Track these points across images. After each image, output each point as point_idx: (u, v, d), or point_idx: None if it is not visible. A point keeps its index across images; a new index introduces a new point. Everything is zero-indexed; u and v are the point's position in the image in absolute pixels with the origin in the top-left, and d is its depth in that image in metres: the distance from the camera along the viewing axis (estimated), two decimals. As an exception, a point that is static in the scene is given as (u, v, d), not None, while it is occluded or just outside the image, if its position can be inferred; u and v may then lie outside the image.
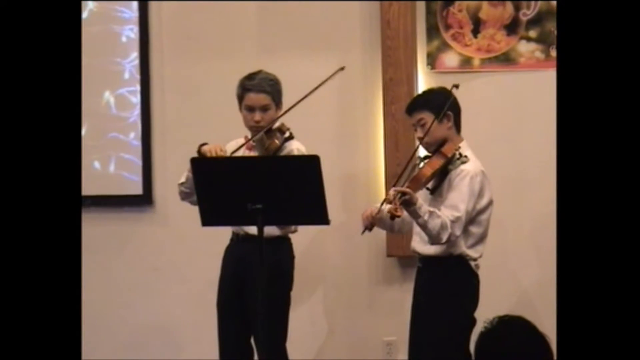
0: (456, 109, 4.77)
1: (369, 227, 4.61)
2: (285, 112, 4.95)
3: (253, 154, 4.98)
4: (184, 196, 4.98)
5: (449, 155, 4.64)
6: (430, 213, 4.52)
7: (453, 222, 4.54)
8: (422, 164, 4.67)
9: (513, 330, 3.17)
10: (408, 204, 4.49)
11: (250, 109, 4.99)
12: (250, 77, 5.02)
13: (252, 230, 4.46)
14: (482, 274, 4.75)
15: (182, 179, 4.97)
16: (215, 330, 5.11)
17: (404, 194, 4.46)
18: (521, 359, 3.11)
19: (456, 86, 4.68)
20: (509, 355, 3.10)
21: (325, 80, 4.87)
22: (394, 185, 4.58)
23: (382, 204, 4.58)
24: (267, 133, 4.92)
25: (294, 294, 5.08)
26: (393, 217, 4.47)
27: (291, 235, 5.08)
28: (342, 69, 4.90)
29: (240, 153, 4.94)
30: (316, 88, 4.87)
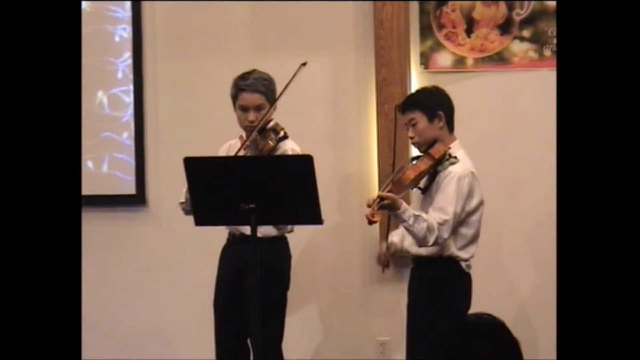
0: (448, 108, 4.77)
1: (385, 265, 5.03)
2: (268, 110, 4.94)
3: (248, 153, 4.96)
4: (187, 212, 4.88)
5: (437, 157, 4.64)
6: (416, 217, 4.51)
7: (440, 224, 4.53)
8: (410, 164, 4.67)
9: (484, 332, 3.11)
10: (390, 208, 4.51)
11: (245, 109, 4.98)
12: (244, 76, 5.00)
13: (248, 230, 4.45)
14: (475, 274, 4.74)
15: (182, 199, 4.92)
16: (209, 330, 5.10)
17: (382, 199, 4.47)
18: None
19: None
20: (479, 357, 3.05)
21: (292, 79, 4.82)
22: (380, 188, 4.61)
23: (386, 238, 4.90)
24: (261, 133, 4.91)
25: (288, 294, 5.08)
26: (370, 222, 4.49)
27: (286, 235, 5.07)
28: (304, 64, 4.81)
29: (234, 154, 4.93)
30: (285, 88, 4.85)
